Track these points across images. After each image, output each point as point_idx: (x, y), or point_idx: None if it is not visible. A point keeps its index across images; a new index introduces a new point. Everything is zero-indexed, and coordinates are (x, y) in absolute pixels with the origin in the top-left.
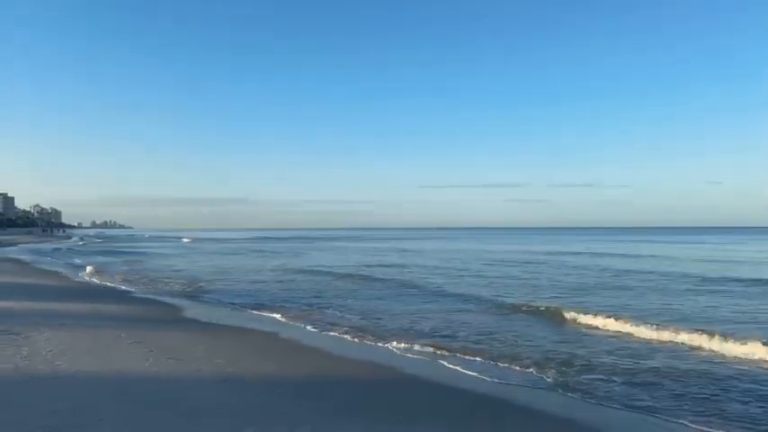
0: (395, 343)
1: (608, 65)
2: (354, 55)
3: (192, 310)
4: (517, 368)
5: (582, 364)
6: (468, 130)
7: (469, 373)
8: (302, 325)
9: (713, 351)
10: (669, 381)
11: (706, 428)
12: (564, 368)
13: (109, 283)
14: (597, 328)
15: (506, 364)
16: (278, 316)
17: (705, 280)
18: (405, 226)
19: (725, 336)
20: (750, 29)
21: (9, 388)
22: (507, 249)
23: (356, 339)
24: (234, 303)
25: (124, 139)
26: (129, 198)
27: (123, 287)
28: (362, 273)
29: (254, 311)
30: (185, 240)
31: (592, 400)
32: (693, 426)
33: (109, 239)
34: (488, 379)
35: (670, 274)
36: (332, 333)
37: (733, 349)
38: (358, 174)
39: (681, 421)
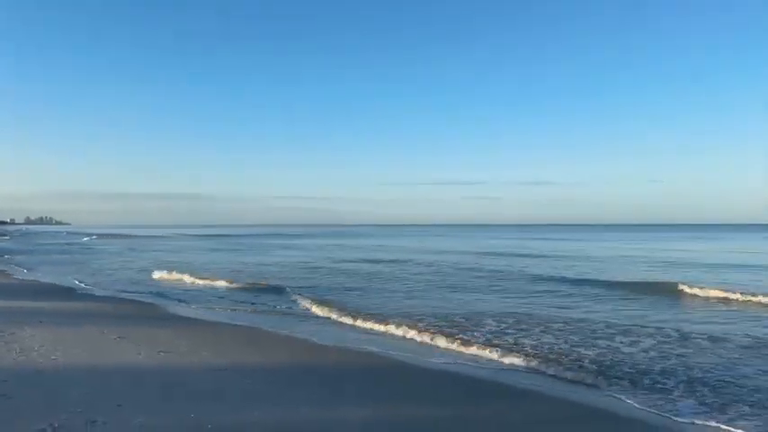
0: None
1: (561, 66)
2: (322, 55)
3: (160, 307)
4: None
5: None
6: (428, 129)
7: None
8: (271, 318)
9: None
10: None
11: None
12: None
13: (57, 282)
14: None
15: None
16: (241, 311)
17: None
18: (365, 223)
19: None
20: (695, 31)
21: (21, 379)
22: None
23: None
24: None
25: (66, 132)
26: (70, 193)
27: (78, 286)
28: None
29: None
30: (85, 239)
31: None
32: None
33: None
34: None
35: (511, 273)
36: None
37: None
38: (320, 171)
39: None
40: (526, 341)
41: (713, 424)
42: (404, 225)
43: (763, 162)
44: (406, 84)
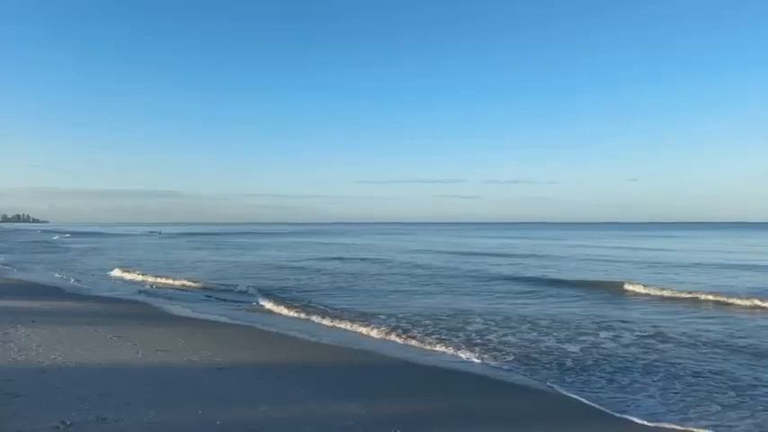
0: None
1: (538, 67)
2: (293, 55)
3: (151, 306)
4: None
5: None
6: (405, 127)
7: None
8: (263, 317)
9: None
10: None
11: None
12: None
13: (41, 281)
14: None
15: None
16: (231, 309)
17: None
18: (342, 221)
19: None
20: (671, 32)
21: (26, 378)
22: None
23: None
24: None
25: (44, 129)
26: (48, 190)
27: (66, 284)
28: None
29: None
30: (55, 238)
31: None
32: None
33: None
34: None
35: (480, 273)
36: (301, 323)
37: None
38: (296, 169)
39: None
40: (510, 339)
41: (667, 425)
42: (381, 223)
43: (740, 160)
44: (384, 83)
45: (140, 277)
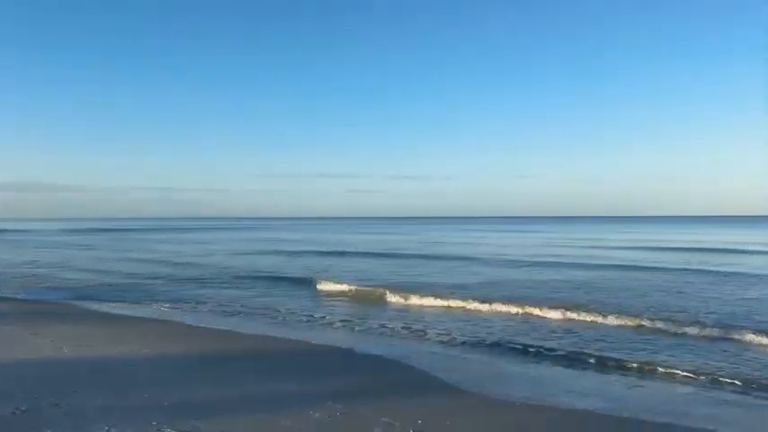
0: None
1: (441, 68)
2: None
3: (65, 304)
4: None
5: None
6: (318, 125)
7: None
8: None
9: None
10: None
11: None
12: None
13: None
14: None
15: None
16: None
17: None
18: (252, 216)
19: None
20: (574, 34)
21: None
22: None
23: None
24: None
25: None
26: None
27: None
28: None
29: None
30: None
31: None
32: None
33: None
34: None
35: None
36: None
37: None
38: (205, 162)
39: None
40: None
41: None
42: (290, 218)
43: (628, 158)
44: (296, 84)
45: None
